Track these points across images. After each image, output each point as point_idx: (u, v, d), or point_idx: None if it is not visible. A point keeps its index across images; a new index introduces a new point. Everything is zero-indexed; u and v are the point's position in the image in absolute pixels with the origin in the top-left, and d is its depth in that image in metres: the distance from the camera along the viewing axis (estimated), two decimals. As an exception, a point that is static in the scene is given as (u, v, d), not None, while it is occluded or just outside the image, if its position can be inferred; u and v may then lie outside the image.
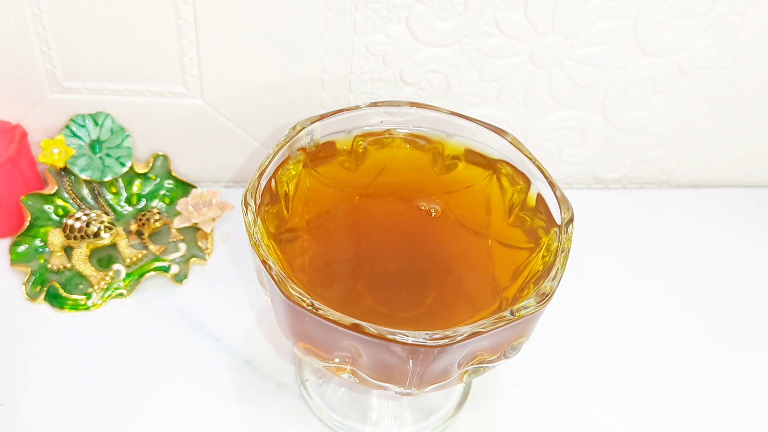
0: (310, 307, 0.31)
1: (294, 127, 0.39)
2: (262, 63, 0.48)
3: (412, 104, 0.41)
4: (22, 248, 0.48)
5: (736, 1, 0.47)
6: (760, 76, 0.52)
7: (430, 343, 0.30)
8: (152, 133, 0.51)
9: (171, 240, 0.50)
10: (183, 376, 0.44)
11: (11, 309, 0.46)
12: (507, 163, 0.40)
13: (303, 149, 0.40)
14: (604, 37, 0.48)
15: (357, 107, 0.41)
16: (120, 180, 0.51)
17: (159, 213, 0.50)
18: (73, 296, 0.47)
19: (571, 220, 0.36)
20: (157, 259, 0.49)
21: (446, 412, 0.43)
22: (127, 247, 0.49)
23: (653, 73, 0.51)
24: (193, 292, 0.48)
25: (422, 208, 0.39)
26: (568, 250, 0.35)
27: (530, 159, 0.39)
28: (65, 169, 0.49)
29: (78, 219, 0.48)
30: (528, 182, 0.39)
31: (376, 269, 0.37)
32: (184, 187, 0.52)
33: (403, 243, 0.39)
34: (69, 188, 0.50)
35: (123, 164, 0.50)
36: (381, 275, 0.37)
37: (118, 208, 0.51)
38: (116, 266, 0.48)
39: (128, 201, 0.51)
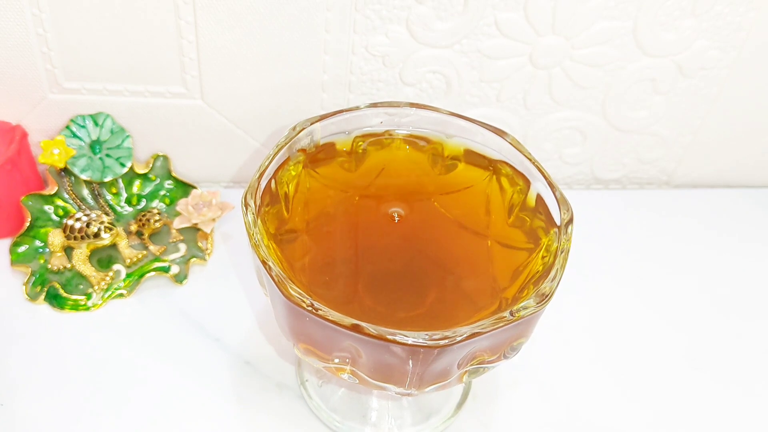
0: (309, 308, 0.31)
1: (294, 128, 0.39)
2: (262, 63, 0.48)
3: (412, 105, 0.41)
4: (22, 248, 0.48)
5: (736, 1, 0.47)
6: (760, 76, 0.52)
7: (429, 343, 0.30)
8: (152, 133, 0.51)
9: (171, 240, 0.50)
10: (183, 376, 0.44)
11: (11, 309, 0.46)
12: (507, 163, 0.40)
13: (303, 150, 0.40)
14: (604, 37, 0.48)
15: (357, 108, 0.41)
16: (120, 180, 0.51)
17: (159, 213, 0.50)
18: (73, 296, 0.47)
19: (570, 221, 0.36)
20: (157, 259, 0.49)
21: (446, 413, 0.43)
22: (127, 248, 0.49)
23: (653, 73, 0.51)
24: (193, 293, 0.48)
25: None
26: (568, 251, 0.35)
27: (530, 159, 0.39)
28: (65, 170, 0.49)
29: (78, 219, 0.48)
30: (528, 183, 0.39)
31: (376, 270, 0.37)
32: (184, 188, 0.52)
33: (402, 243, 0.39)
34: (69, 189, 0.50)
35: (123, 165, 0.50)
36: (381, 276, 0.37)
37: (118, 209, 0.51)
38: (116, 266, 0.48)
39: (128, 201, 0.51)
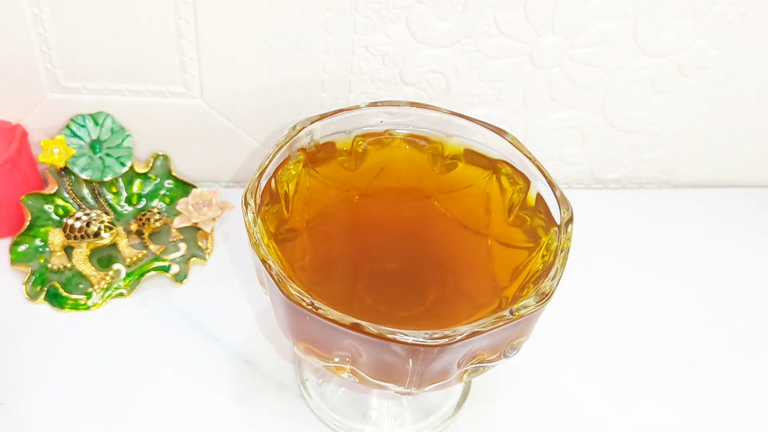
0: (309, 307, 0.31)
1: (294, 127, 0.39)
2: (262, 63, 0.48)
3: (412, 104, 0.41)
4: (22, 248, 0.48)
5: (736, 1, 0.47)
6: (760, 76, 0.52)
7: (429, 342, 0.30)
8: (152, 133, 0.51)
9: (171, 240, 0.50)
10: (183, 375, 0.44)
11: (11, 309, 0.46)
12: (507, 163, 0.40)
13: (303, 149, 0.40)
14: (604, 37, 0.48)
15: (357, 107, 0.41)
16: (120, 180, 0.51)
17: (159, 213, 0.50)
18: (73, 296, 0.47)
19: (570, 220, 0.36)
20: (157, 258, 0.49)
21: (446, 412, 0.43)
22: (127, 247, 0.49)
23: (653, 73, 0.51)
24: (193, 292, 0.48)
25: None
26: (568, 250, 0.35)
27: (530, 159, 0.39)
28: (65, 169, 0.49)
29: (78, 219, 0.48)
30: (528, 182, 0.39)
31: (376, 269, 0.37)
32: (184, 187, 0.52)
33: (402, 242, 0.39)
34: (69, 188, 0.50)
35: (123, 164, 0.50)
36: (381, 275, 0.37)
37: (118, 208, 0.51)
38: (116, 266, 0.48)
39: (128, 201, 0.51)
